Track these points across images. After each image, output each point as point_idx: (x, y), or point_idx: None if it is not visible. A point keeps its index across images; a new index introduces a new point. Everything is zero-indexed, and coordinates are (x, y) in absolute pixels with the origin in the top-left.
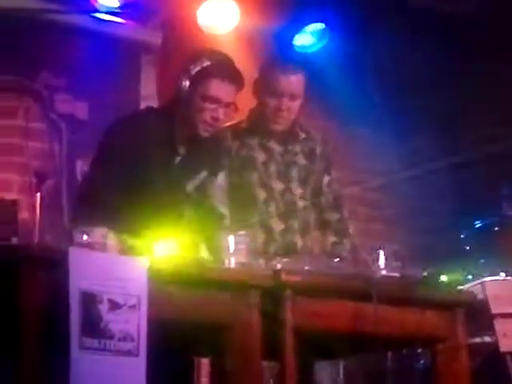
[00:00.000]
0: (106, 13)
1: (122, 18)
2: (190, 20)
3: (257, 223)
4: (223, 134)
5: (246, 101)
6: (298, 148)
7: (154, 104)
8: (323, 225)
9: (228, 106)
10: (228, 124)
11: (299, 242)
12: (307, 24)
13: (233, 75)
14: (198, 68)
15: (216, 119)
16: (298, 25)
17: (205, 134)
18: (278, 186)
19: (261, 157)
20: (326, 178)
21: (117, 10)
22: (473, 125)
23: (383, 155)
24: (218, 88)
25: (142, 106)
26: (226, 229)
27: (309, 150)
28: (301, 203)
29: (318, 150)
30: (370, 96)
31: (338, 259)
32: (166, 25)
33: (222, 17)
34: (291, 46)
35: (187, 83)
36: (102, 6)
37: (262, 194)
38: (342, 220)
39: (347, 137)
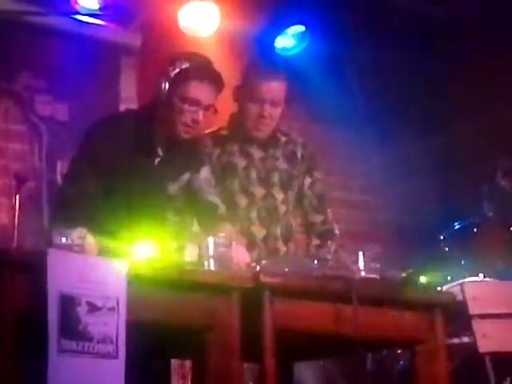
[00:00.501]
0: (87, 15)
1: (102, 20)
2: (170, 22)
3: (238, 230)
4: (203, 141)
5: (227, 105)
6: (278, 152)
7: (134, 106)
8: (307, 227)
9: (208, 109)
10: (208, 131)
11: (282, 248)
12: (288, 26)
13: (212, 77)
14: (177, 70)
15: (196, 121)
16: (278, 27)
17: (185, 136)
18: (259, 191)
19: (241, 163)
20: (308, 180)
21: (97, 12)
22: (455, 126)
23: (365, 157)
24: (197, 90)
25: (122, 107)
26: (222, 217)
27: (290, 153)
28: (283, 208)
29: (299, 153)
30: (351, 98)
31: (317, 261)
32: (146, 27)
33: (202, 19)
34: (272, 48)
35: (166, 85)
36: (83, 7)
37: (243, 201)
38: (325, 222)
39: (329, 139)
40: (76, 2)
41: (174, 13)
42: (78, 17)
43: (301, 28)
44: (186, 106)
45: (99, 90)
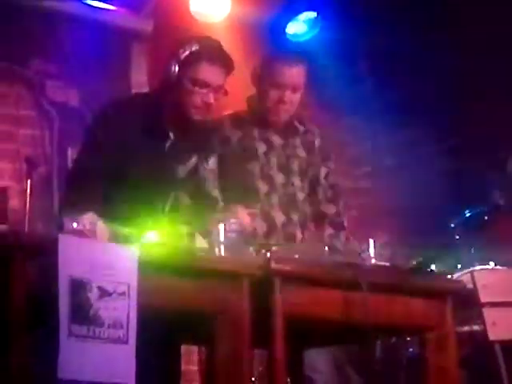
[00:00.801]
0: (98, 0)
1: (113, 5)
2: (181, 7)
3: (259, 214)
4: (221, 123)
5: (240, 89)
6: (297, 141)
7: (144, 90)
8: (320, 217)
9: (218, 90)
10: (228, 113)
11: (298, 234)
12: (299, 12)
13: (222, 59)
14: (187, 52)
15: (206, 103)
16: (290, 13)
17: (196, 118)
18: (280, 178)
19: (262, 148)
20: (324, 170)
21: None
22: (463, 112)
23: (374, 143)
24: (207, 71)
25: (133, 92)
26: (219, 212)
27: (308, 143)
28: (301, 195)
29: (317, 143)
30: (361, 85)
31: (329, 249)
32: (157, 12)
33: (214, 4)
34: (284, 34)
35: (176, 67)
36: None
37: (263, 186)
38: (338, 213)
39: (339, 126)
40: None
41: None
42: (90, 2)
43: (312, 14)
44: (197, 88)
45: (110, 75)
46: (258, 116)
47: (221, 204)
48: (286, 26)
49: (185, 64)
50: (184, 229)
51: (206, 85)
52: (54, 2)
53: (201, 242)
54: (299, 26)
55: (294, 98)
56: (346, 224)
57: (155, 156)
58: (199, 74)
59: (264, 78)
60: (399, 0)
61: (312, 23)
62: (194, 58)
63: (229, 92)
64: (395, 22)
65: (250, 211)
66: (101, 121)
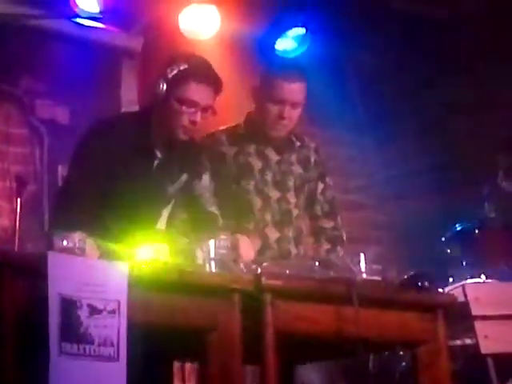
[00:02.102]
0: (87, 18)
1: (103, 23)
2: (171, 25)
3: (253, 231)
4: (217, 139)
5: (231, 105)
6: (293, 157)
7: (135, 109)
8: (317, 232)
9: (206, 110)
10: (223, 128)
11: (293, 250)
12: (289, 28)
13: (210, 78)
14: (175, 71)
15: (194, 123)
16: (279, 29)
17: (183, 138)
18: (275, 194)
19: (258, 164)
20: (321, 186)
21: (98, 16)
22: (455, 126)
23: (365, 158)
24: (195, 91)
25: (123, 110)
26: (219, 228)
27: (304, 158)
28: (295, 212)
29: (313, 158)
30: (351, 100)
31: (325, 264)
32: (147, 30)
33: (203, 22)
34: (273, 51)
35: (164, 86)
36: (83, 11)
37: (258, 202)
38: (336, 227)
39: (329, 141)
40: (77, 6)
41: (174, 16)
42: (79, 20)
43: (301, 30)
44: (184, 108)
45: (100, 93)
46: (256, 131)
47: (221, 220)
48: (275, 43)
49: (172, 83)
50: (183, 242)
51: (193, 104)
52: (44, 20)
53: (194, 257)
54: (288, 43)
55: (293, 114)
56: (344, 239)
57: (143, 175)
58: (187, 94)
59: (264, 93)
60: (388, 15)
61: (301, 39)
62: (182, 77)
63: (217, 111)
64: (384, 36)
65: (251, 239)
66: (89, 140)
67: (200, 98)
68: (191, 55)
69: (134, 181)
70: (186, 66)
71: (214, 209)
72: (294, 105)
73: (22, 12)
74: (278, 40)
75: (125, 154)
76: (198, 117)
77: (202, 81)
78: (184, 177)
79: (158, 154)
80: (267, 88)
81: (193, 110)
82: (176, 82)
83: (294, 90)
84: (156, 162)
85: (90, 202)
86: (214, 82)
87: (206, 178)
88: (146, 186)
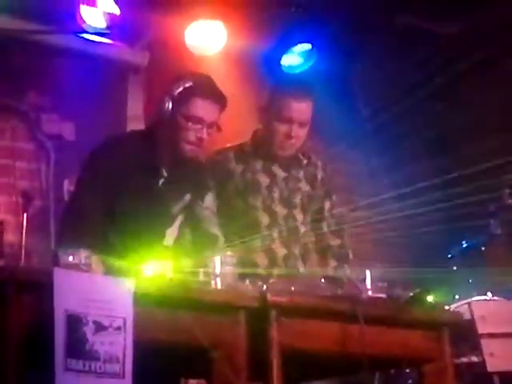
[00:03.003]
0: (94, 33)
1: (109, 38)
2: (177, 41)
3: (260, 247)
4: (225, 155)
5: (236, 121)
6: (300, 174)
7: (141, 124)
8: (324, 249)
9: (211, 126)
10: (230, 145)
11: (301, 267)
12: (294, 44)
13: (215, 95)
14: (180, 89)
15: (200, 139)
16: (285, 45)
17: (190, 155)
18: (282, 211)
19: (265, 181)
20: (328, 204)
21: (104, 31)
22: (460, 143)
23: (371, 175)
24: (201, 107)
25: (129, 126)
26: (221, 250)
27: (311, 176)
28: (302, 229)
29: (319, 176)
30: (357, 116)
31: (329, 280)
32: (153, 45)
33: (209, 37)
34: (279, 66)
35: (170, 104)
36: (90, 26)
37: (265, 219)
38: (343, 245)
39: (335, 157)
40: (83, 21)
41: (180, 31)
42: (86, 35)
43: (307, 46)
44: (190, 124)
45: (106, 108)
46: (263, 149)
47: (221, 241)
48: (281, 58)
49: (178, 100)
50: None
51: (199, 120)
52: (51, 35)
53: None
54: (294, 58)
55: (301, 133)
56: (351, 257)
57: (148, 193)
58: (192, 110)
59: (272, 112)
60: (394, 31)
61: (307, 55)
62: (187, 94)
63: (223, 126)
64: (389, 52)
65: None
66: (96, 157)
67: (206, 115)
68: (196, 73)
69: (139, 199)
70: (191, 83)
71: (215, 230)
72: (301, 124)
73: (29, 27)
74: (284, 56)
75: (131, 172)
76: (205, 133)
77: (207, 97)
78: (187, 197)
79: (164, 173)
80: (275, 107)
81: (199, 126)
82: (182, 99)
83: (302, 108)
84: (161, 181)
85: (95, 219)
86: (218, 99)
87: (209, 199)
88: (150, 204)
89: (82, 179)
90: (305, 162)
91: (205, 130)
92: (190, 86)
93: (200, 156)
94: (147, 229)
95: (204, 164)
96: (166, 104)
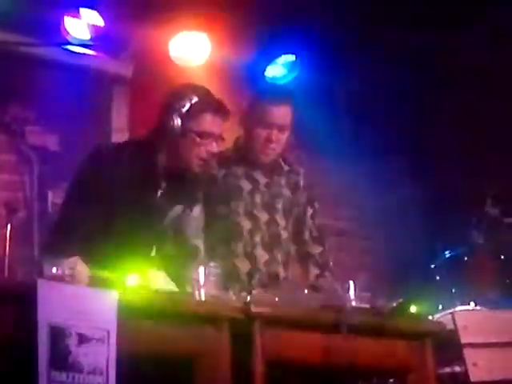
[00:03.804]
0: (78, 45)
1: (93, 50)
2: (161, 52)
3: (242, 252)
4: (199, 175)
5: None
6: (283, 180)
7: (125, 135)
8: (305, 257)
9: (219, 139)
10: None
11: (281, 273)
12: (278, 56)
13: (221, 108)
14: (187, 105)
15: (210, 153)
16: (269, 56)
17: (197, 170)
18: (264, 216)
19: (247, 186)
20: (310, 211)
21: (88, 43)
22: (443, 153)
23: (354, 185)
24: (211, 122)
25: (114, 136)
26: (199, 262)
27: (293, 182)
28: (284, 234)
29: (302, 183)
30: (341, 127)
31: (314, 291)
32: (137, 57)
33: (193, 49)
34: (263, 78)
35: (178, 121)
36: (74, 38)
37: (247, 224)
38: (324, 253)
39: (318, 168)
40: (67, 33)
41: (165, 43)
42: (70, 47)
43: (291, 57)
44: (201, 140)
45: (91, 119)
46: (245, 155)
47: (201, 254)
48: (265, 69)
49: (187, 117)
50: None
51: (209, 135)
52: (34, 47)
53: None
54: (278, 69)
55: (281, 138)
56: (331, 264)
57: (146, 204)
58: (204, 126)
59: (251, 117)
60: (377, 42)
61: (291, 66)
62: (197, 110)
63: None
64: (374, 64)
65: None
66: (89, 167)
67: (215, 129)
68: (195, 86)
69: (136, 209)
70: (197, 99)
71: (198, 242)
72: (281, 128)
73: (12, 39)
74: (268, 67)
75: (126, 183)
76: (215, 146)
77: (215, 112)
78: (178, 208)
79: (163, 185)
80: (255, 113)
81: (209, 140)
82: (191, 116)
83: (282, 113)
84: (160, 192)
85: (85, 228)
86: (225, 111)
87: (197, 210)
88: (146, 216)
89: (74, 187)
90: (287, 168)
91: (214, 143)
92: (197, 102)
93: (206, 170)
94: (138, 239)
95: (195, 175)
96: (174, 121)
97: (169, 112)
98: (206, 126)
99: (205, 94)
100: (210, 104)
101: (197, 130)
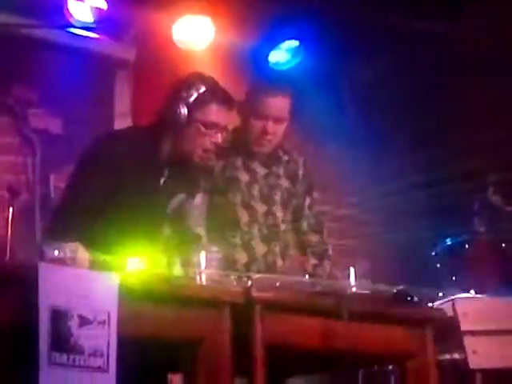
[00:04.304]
0: (81, 28)
1: (96, 33)
2: (164, 36)
3: (239, 244)
4: (200, 164)
5: None
6: (281, 170)
7: (128, 119)
8: (304, 246)
9: (224, 129)
10: None
11: (279, 263)
12: (282, 41)
13: (227, 99)
14: (194, 94)
15: (215, 144)
16: (272, 41)
17: (199, 160)
18: (261, 208)
19: (244, 178)
20: (308, 200)
21: (91, 25)
22: (446, 141)
23: (357, 172)
24: (217, 113)
25: (116, 120)
26: (201, 249)
27: (291, 172)
28: (282, 226)
29: (301, 172)
30: (344, 113)
31: (312, 278)
32: (140, 40)
33: (197, 33)
34: (266, 63)
35: (185, 110)
36: (77, 21)
37: (244, 216)
38: (322, 242)
39: (321, 154)
40: (70, 15)
41: (168, 26)
42: (73, 30)
43: (294, 43)
44: (206, 130)
45: (93, 103)
46: (242, 146)
47: (203, 241)
48: (268, 55)
49: (194, 106)
50: (166, 258)
51: (215, 126)
52: (37, 30)
53: (179, 271)
54: (281, 55)
55: (277, 129)
56: (330, 253)
57: (150, 190)
58: (210, 116)
59: (248, 108)
60: (383, 28)
61: (294, 52)
62: (204, 100)
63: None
64: (378, 50)
65: None
66: (95, 151)
67: (221, 119)
68: (203, 76)
69: (140, 195)
70: (205, 89)
71: (200, 230)
72: (277, 120)
73: (15, 21)
74: (272, 52)
75: (131, 170)
76: (219, 137)
77: (222, 102)
78: (181, 196)
79: (166, 173)
80: (252, 103)
81: (214, 131)
82: (198, 105)
83: (278, 105)
84: (163, 179)
85: (88, 213)
86: (231, 102)
87: (199, 198)
88: (149, 202)
89: (79, 171)
90: (285, 158)
91: (219, 134)
92: (205, 92)
93: (210, 160)
94: (140, 225)
95: (196, 164)
96: (181, 110)
97: (175, 100)
98: (212, 117)
99: (212, 85)
100: (217, 95)
101: (202, 120)
